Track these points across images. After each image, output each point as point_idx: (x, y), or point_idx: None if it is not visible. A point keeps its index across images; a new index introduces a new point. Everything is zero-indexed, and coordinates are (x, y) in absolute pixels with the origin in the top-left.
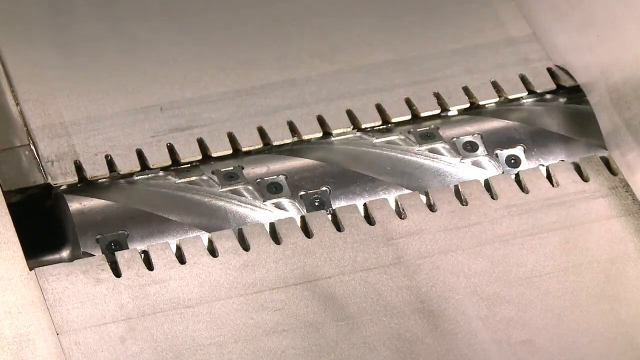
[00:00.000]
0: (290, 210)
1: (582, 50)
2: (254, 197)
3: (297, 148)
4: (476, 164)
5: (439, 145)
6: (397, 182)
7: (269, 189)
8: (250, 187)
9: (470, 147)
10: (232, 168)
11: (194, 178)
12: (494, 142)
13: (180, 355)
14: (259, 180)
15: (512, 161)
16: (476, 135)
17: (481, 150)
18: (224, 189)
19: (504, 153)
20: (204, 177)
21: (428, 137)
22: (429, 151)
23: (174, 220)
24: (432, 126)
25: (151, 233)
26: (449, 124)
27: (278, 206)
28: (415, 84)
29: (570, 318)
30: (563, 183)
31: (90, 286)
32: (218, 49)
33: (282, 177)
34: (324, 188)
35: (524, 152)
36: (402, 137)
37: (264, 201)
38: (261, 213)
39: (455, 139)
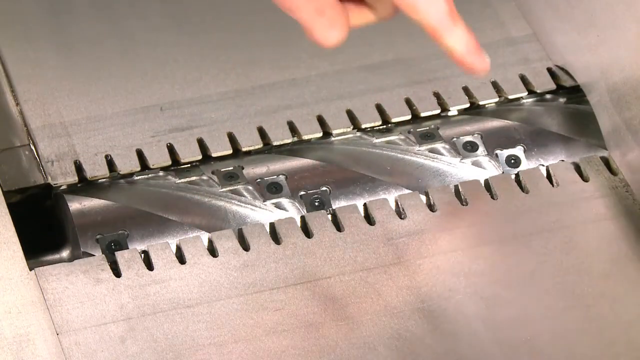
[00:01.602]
0: (290, 210)
1: (582, 50)
2: (254, 197)
3: (297, 148)
4: (476, 164)
5: (439, 145)
6: (397, 182)
7: (269, 189)
8: (250, 187)
9: (470, 147)
10: (232, 168)
11: (194, 178)
12: (494, 142)
13: (180, 355)
14: (259, 180)
15: (512, 161)
16: (476, 135)
17: (481, 150)
18: (224, 189)
19: (504, 153)
20: (204, 177)
21: (428, 137)
22: (429, 151)
23: (174, 220)
24: (432, 126)
25: (151, 233)
26: (449, 124)
27: (278, 206)
28: (415, 84)
29: (570, 318)
30: (563, 183)
31: (90, 286)
32: (218, 49)
33: (282, 177)
34: (324, 188)
35: (524, 152)
36: (402, 137)
37: (264, 201)
38: (261, 213)
39: (455, 139)
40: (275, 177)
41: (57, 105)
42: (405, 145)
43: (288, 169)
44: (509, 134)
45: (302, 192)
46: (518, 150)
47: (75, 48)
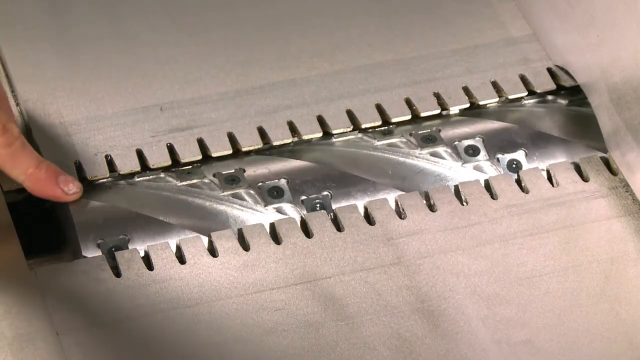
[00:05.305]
0: (292, 215)
1: (582, 50)
2: (255, 202)
3: (297, 149)
4: (478, 168)
5: (440, 149)
6: (398, 186)
7: (270, 194)
8: (251, 192)
9: (472, 152)
10: (233, 171)
11: (195, 181)
12: (496, 146)
13: (180, 355)
14: (260, 184)
15: (514, 165)
16: (478, 138)
17: (483, 154)
18: (225, 193)
19: (505, 157)
20: (205, 180)
21: (429, 140)
22: (430, 155)
23: (175, 225)
24: (434, 129)
25: (152, 237)
26: (451, 127)
27: (279, 211)
28: (415, 84)
29: (570, 318)
30: (563, 183)
31: (90, 286)
32: (218, 49)
33: (283, 182)
34: (325, 192)
35: (526, 156)
36: (404, 139)
37: (265, 206)
38: (262, 218)
39: (456, 143)
40: (277, 180)
41: (57, 105)
42: (407, 148)
43: (289, 172)
44: (511, 137)
45: (304, 197)
46: (519, 155)
47: (76, 48)
